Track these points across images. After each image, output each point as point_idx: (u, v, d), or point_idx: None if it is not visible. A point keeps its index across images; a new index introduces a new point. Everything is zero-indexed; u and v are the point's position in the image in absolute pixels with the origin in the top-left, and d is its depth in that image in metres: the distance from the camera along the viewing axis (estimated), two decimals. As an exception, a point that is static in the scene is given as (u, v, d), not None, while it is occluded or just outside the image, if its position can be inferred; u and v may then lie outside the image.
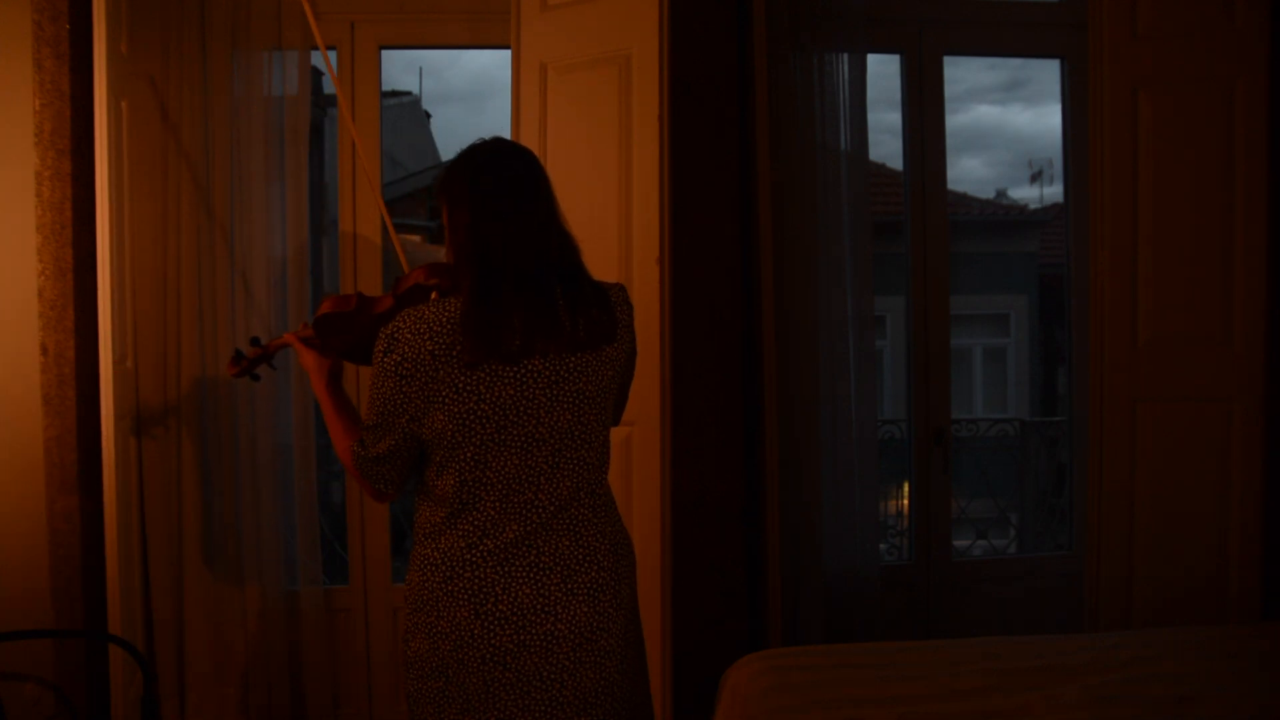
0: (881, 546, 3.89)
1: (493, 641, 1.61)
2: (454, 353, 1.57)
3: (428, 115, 11.11)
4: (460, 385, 1.57)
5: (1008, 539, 6.19)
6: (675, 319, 2.75)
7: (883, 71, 3.74)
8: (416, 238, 8.57)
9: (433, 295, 1.76)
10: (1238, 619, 2.90)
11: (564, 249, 1.66)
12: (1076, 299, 3.67)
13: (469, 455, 1.60)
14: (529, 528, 1.63)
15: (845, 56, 3.38)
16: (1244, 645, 2.38)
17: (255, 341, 2.16)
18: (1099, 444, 3.01)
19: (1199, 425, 2.97)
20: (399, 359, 1.58)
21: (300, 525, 3.16)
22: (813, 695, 2.12)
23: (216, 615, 3.10)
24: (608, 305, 1.68)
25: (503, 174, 1.65)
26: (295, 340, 1.95)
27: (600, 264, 1.71)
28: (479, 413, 1.58)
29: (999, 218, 10.56)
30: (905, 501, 4.26)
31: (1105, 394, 2.99)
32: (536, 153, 2.83)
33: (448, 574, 1.62)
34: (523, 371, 1.59)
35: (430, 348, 1.57)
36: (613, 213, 2.69)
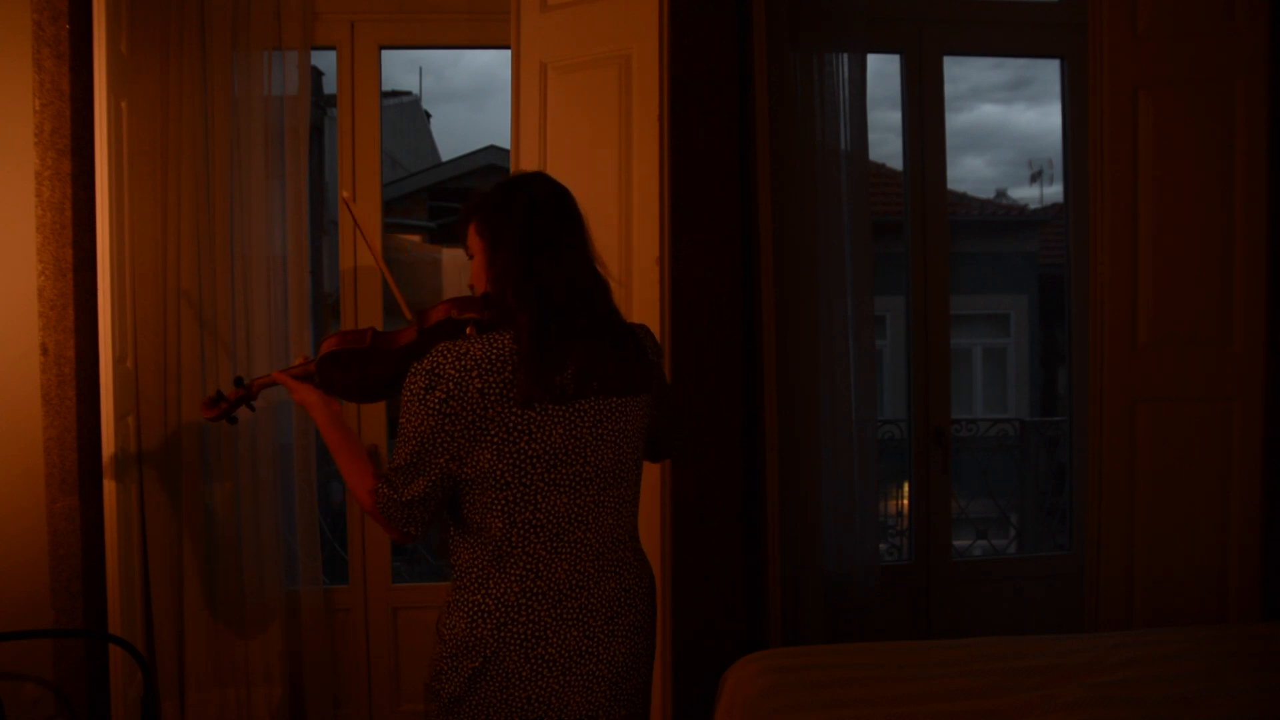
0: (881, 546, 3.89)
1: (539, 684, 1.60)
2: (506, 391, 1.54)
3: (428, 115, 11.13)
4: (511, 424, 1.55)
5: (1008, 539, 6.19)
6: (675, 319, 2.75)
7: (883, 71, 3.74)
8: (416, 237, 8.57)
9: (468, 330, 1.71)
10: (1238, 619, 2.90)
11: (604, 290, 1.66)
12: (1076, 299, 3.67)
13: (517, 495, 1.58)
14: (578, 566, 1.62)
15: (845, 56, 3.38)
16: (1244, 645, 2.38)
17: (239, 382, 2.01)
18: (1099, 444, 3.01)
19: (1199, 425, 2.97)
20: (444, 396, 1.53)
21: (300, 525, 3.16)
22: (813, 695, 2.12)
23: (216, 615, 3.10)
24: (642, 351, 1.69)
25: (557, 213, 1.64)
26: (287, 379, 1.87)
27: (600, 264, 1.73)
28: (530, 452, 1.56)
29: (999, 218, 10.57)
30: (905, 501, 4.26)
31: (1105, 394, 2.99)
32: (536, 153, 2.84)
33: (501, 620, 1.59)
34: (571, 412, 1.58)
35: (479, 385, 1.53)
36: (613, 213, 2.69)
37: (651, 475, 2.63)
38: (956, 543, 4.02)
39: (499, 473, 1.56)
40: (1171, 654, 2.31)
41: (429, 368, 1.55)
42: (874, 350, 3.47)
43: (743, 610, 3.00)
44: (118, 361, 2.72)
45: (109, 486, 2.64)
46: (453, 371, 1.54)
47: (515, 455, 1.56)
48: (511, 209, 1.63)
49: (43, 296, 2.67)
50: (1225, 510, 2.95)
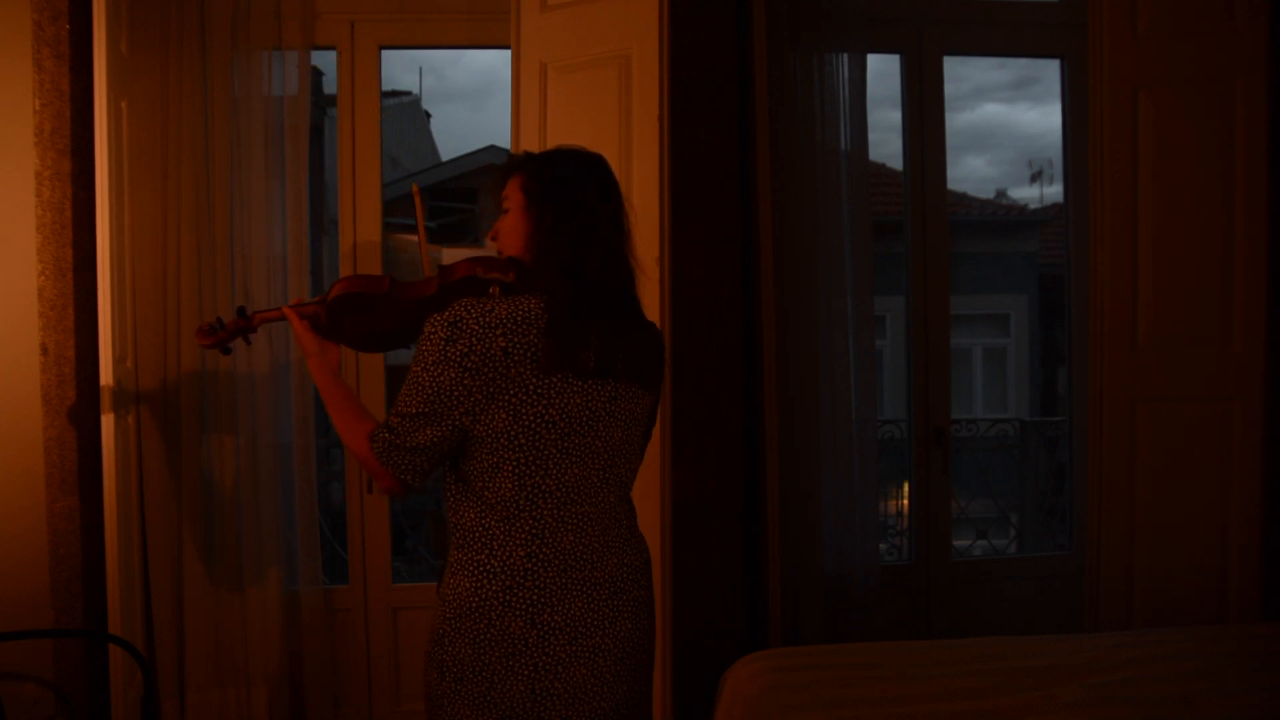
0: (881, 546, 3.90)
1: (546, 650, 1.60)
2: (529, 354, 1.55)
3: (428, 115, 11.13)
4: (531, 387, 1.55)
5: (1008, 539, 6.19)
6: (675, 319, 2.75)
7: (883, 71, 3.74)
8: (416, 237, 8.58)
9: (492, 290, 1.68)
10: (1238, 619, 2.90)
11: (632, 275, 1.69)
12: (1076, 299, 3.67)
13: (529, 458, 1.58)
14: (583, 539, 1.63)
15: (845, 56, 3.38)
16: (1244, 645, 2.38)
17: (240, 312, 1.95)
18: (1099, 444, 3.01)
19: (1199, 425, 2.97)
20: (465, 349, 1.53)
21: (300, 525, 3.16)
22: (813, 695, 2.12)
23: (216, 615, 3.10)
24: (659, 346, 1.71)
25: (609, 194, 1.66)
26: (295, 316, 1.82)
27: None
28: (547, 418, 1.57)
29: (999, 218, 10.58)
30: (905, 501, 4.26)
31: (1105, 394, 2.99)
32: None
33: (506, 584, 1.59)
34: (589, 385, 1.60)
35: (503, 344, 1.53)
36: (613, 213, 2.68)
37: (651, 475, 2.63)
38: (956, 543, 4.02)
39: (512, 434, 1.56)
40: (1171, 654, 2.30)
41: (451, 320, 1.54)
42: (874, 350, 3.47)
43: (743, 610, 2.99)
44: (118, 361, 2.72)
45: (109, 486, 2.64)
46: (476, 327, 1.54)
47: (531, 419, 1.56)
48: (569, 178, 1.64)
49: (43, 296, 2.67)
50: (1225, 510, 2.95)
